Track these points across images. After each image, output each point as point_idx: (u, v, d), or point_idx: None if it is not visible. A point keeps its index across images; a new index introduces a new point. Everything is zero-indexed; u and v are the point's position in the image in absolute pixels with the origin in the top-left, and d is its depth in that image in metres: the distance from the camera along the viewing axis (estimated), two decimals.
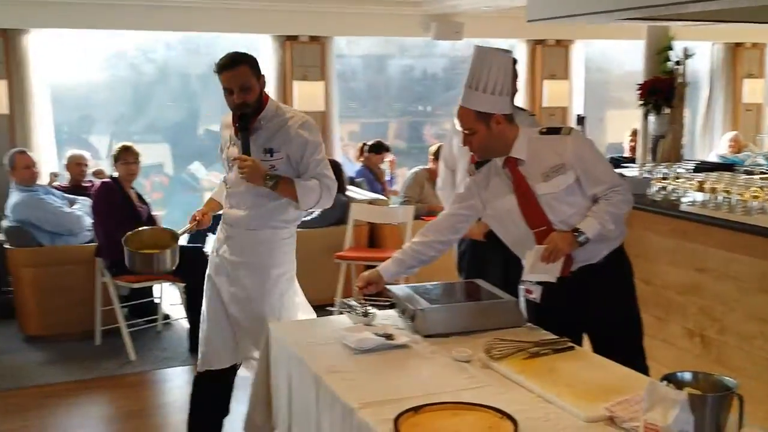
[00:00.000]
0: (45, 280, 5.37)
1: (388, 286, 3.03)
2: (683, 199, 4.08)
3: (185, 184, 9.19)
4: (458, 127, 2.80)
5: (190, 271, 4.37)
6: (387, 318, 2.93)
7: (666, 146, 5.22)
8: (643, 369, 2.81)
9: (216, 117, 5.18)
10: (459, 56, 9.27)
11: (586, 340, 2.97)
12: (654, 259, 4.12)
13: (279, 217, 3.35)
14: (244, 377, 3.45)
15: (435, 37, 7.84)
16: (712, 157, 7.96)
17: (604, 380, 2.31)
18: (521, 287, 2.90)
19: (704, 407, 1.77)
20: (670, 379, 1.89)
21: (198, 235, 5.47)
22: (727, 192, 3.77)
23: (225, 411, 3.54)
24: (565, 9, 4.87)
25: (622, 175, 4.47)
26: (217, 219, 3.57)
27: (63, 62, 7.62)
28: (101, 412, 4.52)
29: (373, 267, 3.03)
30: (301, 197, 3.26)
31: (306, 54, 7.56)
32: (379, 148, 7.56)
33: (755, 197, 3.64)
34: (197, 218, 3.50)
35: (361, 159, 7.68)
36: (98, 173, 6.49)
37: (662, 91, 5.12)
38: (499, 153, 2.79)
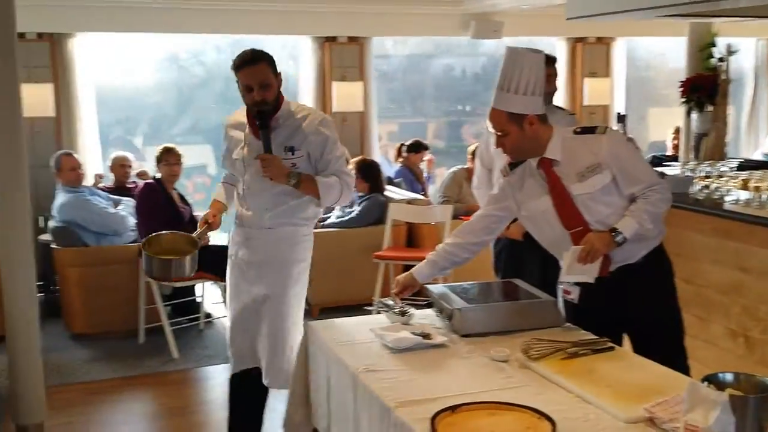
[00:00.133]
0: (90, 279, 5.48)
1: (426, 285, 3.04)
2: (726, 198, 4.01)
3: None
4: (491, 129, 2.79)
5: None
6: (424, 317, 2.93)
7: (709, 144, 5.13)
8: (684, 369, 2.77)
9: None
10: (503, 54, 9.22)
11: (626, 341, 2.94)
12: (696, 259, 4.06)
13: (299, 214, 3.36)
14: None
15: (474, 36, 7.81)
16: (758, 156, 7.80)
17: (644, 380, 2.28)
18: (559, 287, 2.88)
19: (746, 408, 1.74)
20: (711, 379, 1.86)
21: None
22: None
23: (261, 409, 3.56)
24: (605, 6, 4.82)
25: (662, 174, 4.42)
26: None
27: (109, 65, 7.77)
28: (144, 409, 4.60)
29: (412, 267, 3.04)
30: (323, 194, 3.26)
31: (345, 55, 7.60)
32: (417, 147, 7.57)
33: None
34: (209, 221, 3.45)
35: (400, 159, 7.69)
36: (142, 174, 6.62)
37: (705, 88, 5.04)
38: (532, 154, 2.77)
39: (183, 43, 8.21)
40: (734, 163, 4.95)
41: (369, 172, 6.26)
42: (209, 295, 6.02)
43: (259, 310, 3.37)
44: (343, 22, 7.52)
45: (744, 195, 3.86)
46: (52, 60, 6.74)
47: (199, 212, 6.08)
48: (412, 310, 2.91)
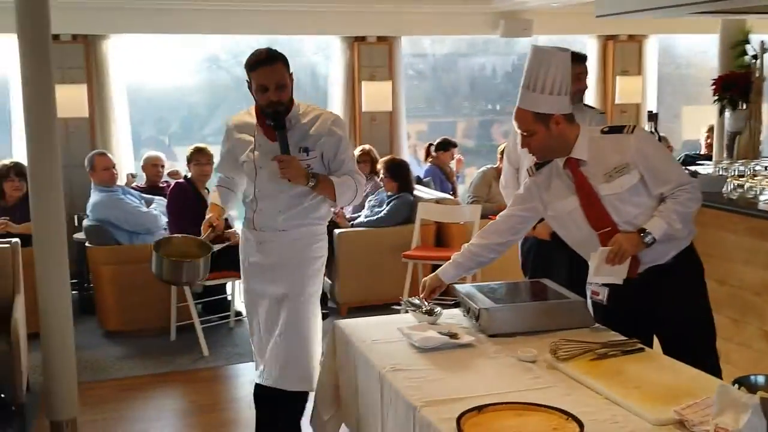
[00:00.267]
0: (123, 277, 5.55)
1: (453, 285, 3.03)
2: (761, 197, 3.95)
3: None
4: (516, 129, 2.77)
5: None
6: (451, 317, 2.93)
7: (743, 143, 5.04)
8: (716, 371, 2.73)
9: None
10: None
11: (656, 342, 2.91)
12: (729, 259, 3.99)
13: (313, 215, 3.32)
14: None
15: (503, 34, 7.77)
16: None
17: (674, 382, 2.26)
18: (588, 288, 2.86)
19: None
20: (742, 382, 1.85)
21: None
22: None
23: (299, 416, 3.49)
24: (635, 3, 4.77)
25: (694, 173, 4.37)
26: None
27: (143, 66, 7.85)
28: (175, 406, 4.65)
29: (441, 266, 3.04)
30: (338, 195, 3.23)
31: (374, 54, 7.61)
32: (446, 145, 7.56)
33: None
34: (214, 224, 3.37)
35: (429, 159, 7.68)
36: (173, 174, 6.69)
37: (738, 86, 4.95)
38: (559, 154, 2.74)
39: (224, 44, 8.27)
40: None
41: (398, 171, 6.26)
42: (239, 293, 6.06)
43: (277, 311, 3.33)
44: (372, 22, 7.53)
45: None
46: (86, 61, 6.84)
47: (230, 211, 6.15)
48: (439, 310, 2.91)
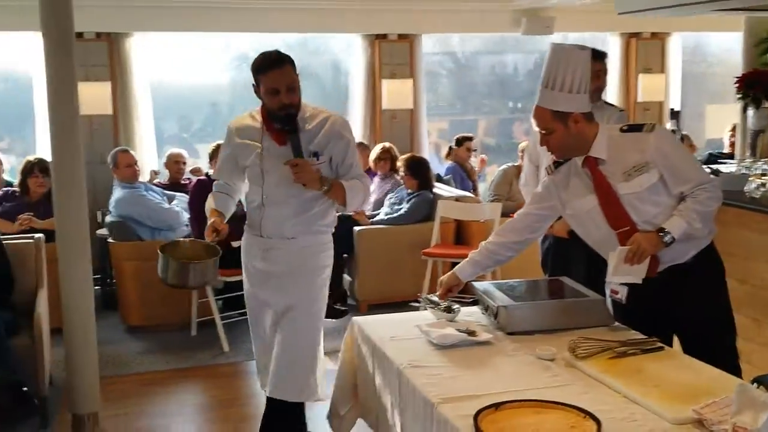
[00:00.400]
0: (145, 273, 5.59)
1: (472, 282, 3.04)
2: None
3: None
4: (535, 128, 2.76)
5: None
6: (470, 314, 2.93)
7: (765, 141, 4.98)
8: (736, 371, 2.71)
9: None
10: None
11: (676, 342, 2.89)
12: (751, 258, 3.95)
13: (321, 222, 3.24)
14: (331, 370, 3.51)
15: (525, 32, 7.75)
16: None
17: (693, 381, 2.25)
18: (607, 287, 2.84)
19: None
20: (762, 381, 1.83)
21: None
22: None
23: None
24: (657, 0, 4.72)
25: (716, 171, 4.33)
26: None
27: (166, 64, 7.90)
28: (196, 400, 4.69)
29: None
30: (349, 200, 3.16)
31: (395, 52, 7.61)
32: (461, 141, 7.56)
33: None
34: (219, 228, 3.19)
35: (450, 157, 7.68)
36: (195, 171, 6.74)
37: (761, 83, 4.89)
38: (578, 152, 2.73)
39: (252, 43, 8.31)
40: None
41: (418, 169, 6.27)
42: None
43: (283, 320, 3.24)
44: (393, 20, 7.53)
45: None
46: (110, 59, 6.91)
47: None
48: (458, 307, 2.92)
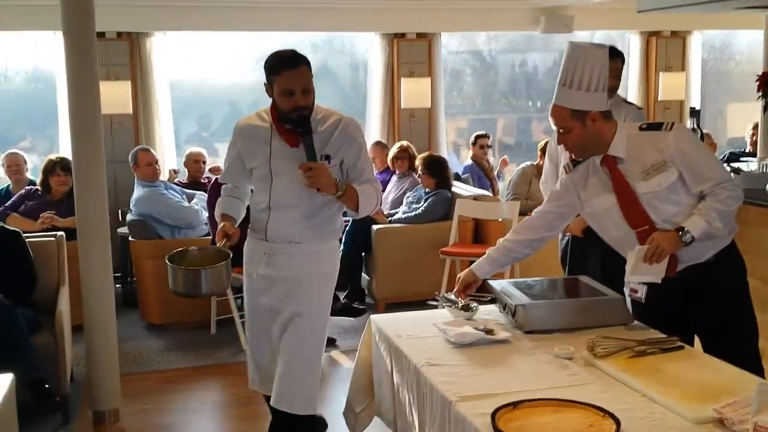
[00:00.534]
0: (165, 271, 5.62)
1: (489, 282, 3.03)
2: None
3: None
4: (553, 126, 2.75)
5: None
6: (488, 313, 2.93)
7: None
8: (758, 372, 2.68)
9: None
10: None
11: (697, 342, 2.87)
12: None
13: (329, 227, 3.12)
14: (349, 368, 3.52)
15: (544, 30, 7.72)
16: None
17: (714, 381, 2.23)
18: (626, 286, 2.83)
19: None
20: None
21: None
22: None
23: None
24: None
25: (736, 170, 4.28)
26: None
27: (186, 63, 7.94)
28: (215, 398, 4.71)
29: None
30: (362, 204, 3.02)
31: (413, 51, 7.61)
32: (475, 140, 7.55)
33: None
34: (229, 233, 3.07)
35: (470, 157, 7.68)
36: (215, 170, 6.77)
37: None
38: (596, 151, 2.71)
39: (273, 41, 8.34)
40: None
41: (436, 167, 6.26)
42: None
43: (289, 329, 3.08)
44: (412, 19, 7.53)
45: None
46: (130, 58, 6.97)
47: None
48: (476, 306, 2.91)
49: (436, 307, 3.07)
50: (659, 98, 8.27)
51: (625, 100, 3.98)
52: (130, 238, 5.81)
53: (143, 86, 7.03)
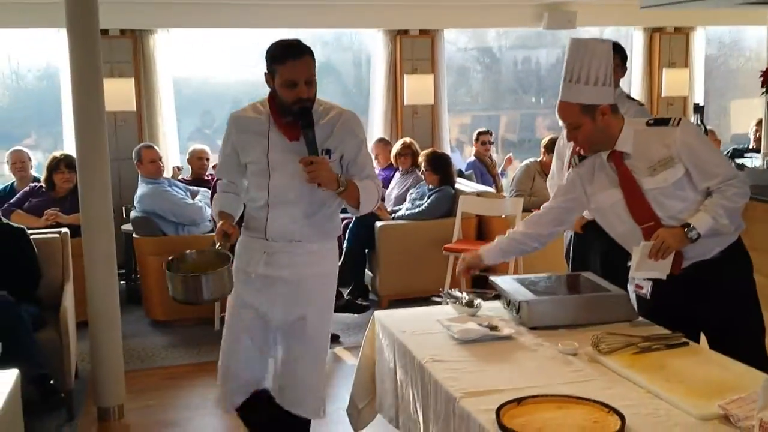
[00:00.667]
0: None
1: (492, 278, 3.03)
2: None
3: None
4: (560, 123, 2.75)
5: None
6: (492, 309, 2.93)
7: None
8: (765, 369, 2.67)
9: None
10: None
11: (703, 339, 2.86)
12: None
13: (329, 225, 3.01)
14: (352, 364, 3.52)
15: (547, 26, 7.70)
16: None
17: (719, 377, 2.23)
18: (631, 282, 2.82)
19: None
20: None
21: None
22: None
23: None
24: None
25: (741, 166, 4.28)
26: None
27: (190, 60, 7.95)
28: (218, 394, 4.71)
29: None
30: (363, 201, 2.90)
31: (416, 47, 7.60)
32: (477, 137, 7.55)
33: None
34: (229, 232, 2.89)
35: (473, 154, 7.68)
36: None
37: None
38: (605, 146, 2.71)
39: (276, 38, 8.33)
40: None
41: (439, 164, 6.26)
42: None
43: (288, 331, 2.99)
44: (415, 15, 7.52)
45: None
46: (134, 56, 6.97)
47: None
48: (480, 302, 2.91)
49: (440, 303, 3.07)
50: (663, 94, 8.26)
51: (628, 96, 3.97)
52: (134, 235, 5.81)
53: (146, 83, 7.04)
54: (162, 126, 7.14)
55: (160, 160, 6.04)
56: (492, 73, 9.27)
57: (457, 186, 6.34)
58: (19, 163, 6.32)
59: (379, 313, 3.03)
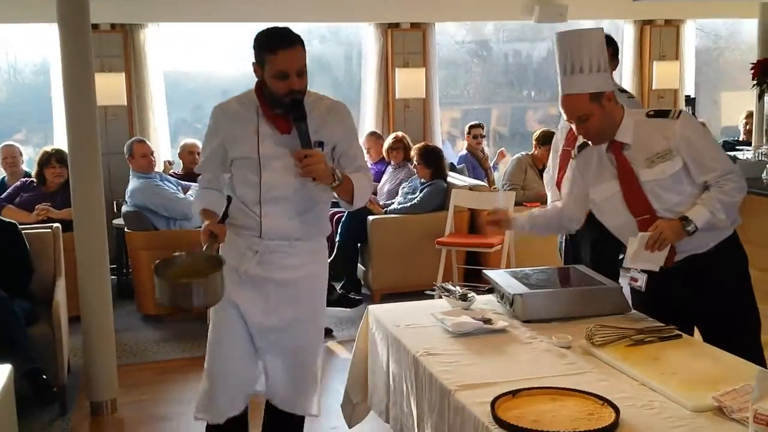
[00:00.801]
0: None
1: (485, 272, 3.04)
2: None
3: None
4: (564, 118, 2.74)
5: None
6: (486, 303, 2.94)
7: None
8: (760, 364, 2.68)
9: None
10: None
11: (697, 333, 2.87)
12: None
13: (321, 222, 2.91)
14: (345, 359, 3.52)
15: (538, 20, 7.69)
16: None
17: (712, 369, 2.24)
18: (625, 275, 2.83)
19: None
20: None
21: None
22: None
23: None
24: None
25: (734, 159, 4.29)
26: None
27: (181, 55, 7.91)
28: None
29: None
30: (356, 195, 2.79)
31: (407, 41, 7.59)
32: (469, 130, 7.56)
33: None
34: (216, 232, 2.72)
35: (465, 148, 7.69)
36: None
37: None
38: (609, 136, 2.69)
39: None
40: None
41: (431, 158, 6.26)
42: None
43: (283, 332, 2.89)
44: (406, 9, 7.51)
45: None
46: (124, 50, 6.93)
47: None
48: (473, 295, 2.92)
49: (433, 296, 3.08)
50: (653, 87, 8.28)
51: (620, 89, 3.98)
52: (125, 230, 5.80)
53: (137, 78, 7.00)
54: (153, 120, 7.11)
55: (152, 154, 6.02)
56: (483, 66, 9.26)
57: (449, 180, 6.35)
58: (10, 158, 6.29)
59: (372, 307, 3.04)
